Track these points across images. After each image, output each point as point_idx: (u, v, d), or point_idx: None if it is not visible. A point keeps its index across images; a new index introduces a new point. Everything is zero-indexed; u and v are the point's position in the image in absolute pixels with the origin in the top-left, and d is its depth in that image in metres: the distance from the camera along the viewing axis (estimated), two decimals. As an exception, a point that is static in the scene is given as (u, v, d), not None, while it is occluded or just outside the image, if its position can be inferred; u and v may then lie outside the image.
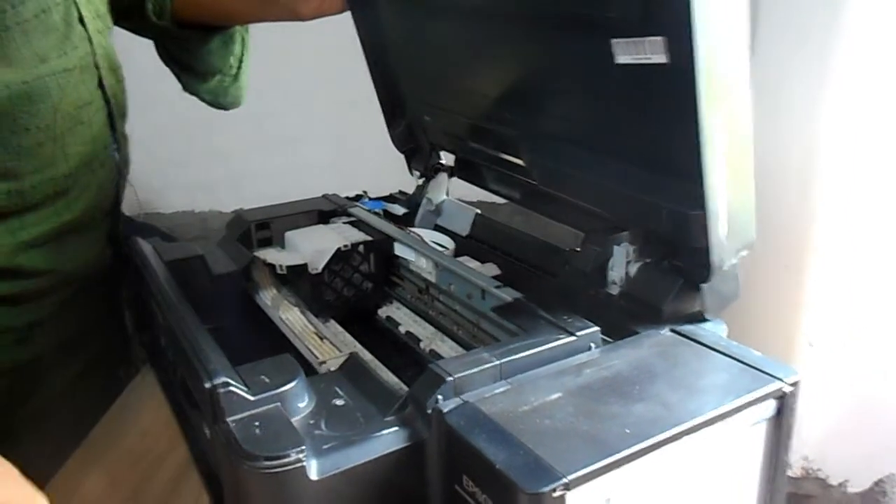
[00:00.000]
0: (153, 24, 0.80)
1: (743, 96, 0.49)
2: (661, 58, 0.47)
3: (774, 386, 0.44)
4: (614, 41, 0.49)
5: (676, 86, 0.46)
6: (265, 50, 0.96)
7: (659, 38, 0.47)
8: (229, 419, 0.43)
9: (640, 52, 0.48)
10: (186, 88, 0.90)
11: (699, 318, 0.56)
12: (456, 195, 0.89)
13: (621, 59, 0.50)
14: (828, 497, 1.36)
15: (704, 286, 0.55)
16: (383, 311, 0.77)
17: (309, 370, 0.63)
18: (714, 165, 0.48)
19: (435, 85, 0.81)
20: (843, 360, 1.13)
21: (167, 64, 0.89)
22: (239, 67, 0.89)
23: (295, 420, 0.45)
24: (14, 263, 0.69)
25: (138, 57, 0.89)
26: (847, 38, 0.77)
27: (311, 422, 0.46)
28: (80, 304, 0.79)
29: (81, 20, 0.69)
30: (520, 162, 0.71)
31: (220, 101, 0.91)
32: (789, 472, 1.37)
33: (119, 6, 0.80)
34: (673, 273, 0.56)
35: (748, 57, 0.48)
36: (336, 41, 1.07)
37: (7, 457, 0.46)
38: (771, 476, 0.48)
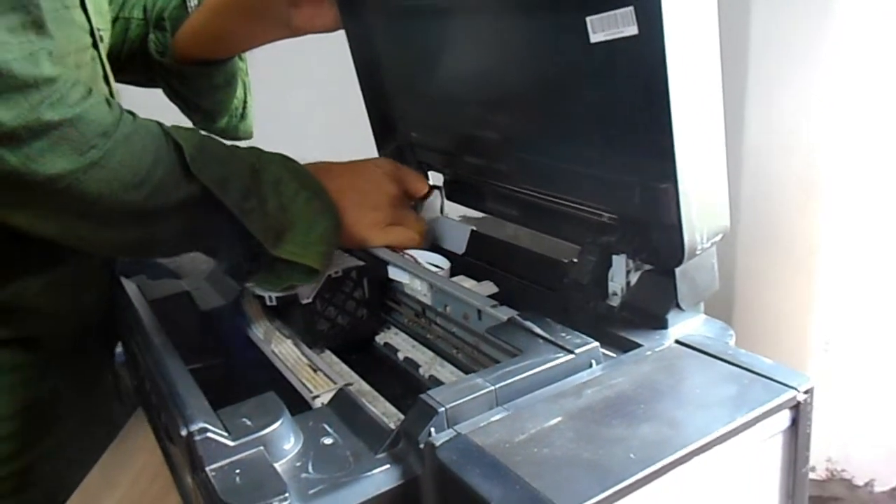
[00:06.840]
0: (157, 62, 0.81)
1: (712, 71, 0.49)
2: (632, 29, 0.47)
3: (788, 395, 0.41)
4: (589, 18, 0.50)
5: (647, 58, 0.46)
6: (261, 78, 0.97)
7: (629, 8, 0.47)
8: (208, 468, 0.41)
9: (612, 25, 0.49)
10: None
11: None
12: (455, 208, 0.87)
13: (596, 36, 0.50)
14: (855, 498, 1.32)
15: (678, 272, 0.53)
16: (381, 338, 0.75)
17: (303, 405, 0.60)
18: (683, 139, 0.48)
19: (421, 98, 0.80)
20: (861, 360, 1.10)
21: (180, 107, 0.91)
22: (244, 109, 0.93)
23: (280, 464, 0.42)
24: (37, 304, 0.69)
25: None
26: (846, 37, 0.75)
27: (298, 464, 0.43)
28: (87, 344, 0.79)
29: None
30: (505, 168, 0.70)
31: (231, 137, 0.94)
32: (814, 476, 1.34)
33: (123, 50, 0.81)
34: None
35: (717, 34, 0.48)
36: (329, 67, 1.10)
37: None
38: (790, 489, 0.45)
